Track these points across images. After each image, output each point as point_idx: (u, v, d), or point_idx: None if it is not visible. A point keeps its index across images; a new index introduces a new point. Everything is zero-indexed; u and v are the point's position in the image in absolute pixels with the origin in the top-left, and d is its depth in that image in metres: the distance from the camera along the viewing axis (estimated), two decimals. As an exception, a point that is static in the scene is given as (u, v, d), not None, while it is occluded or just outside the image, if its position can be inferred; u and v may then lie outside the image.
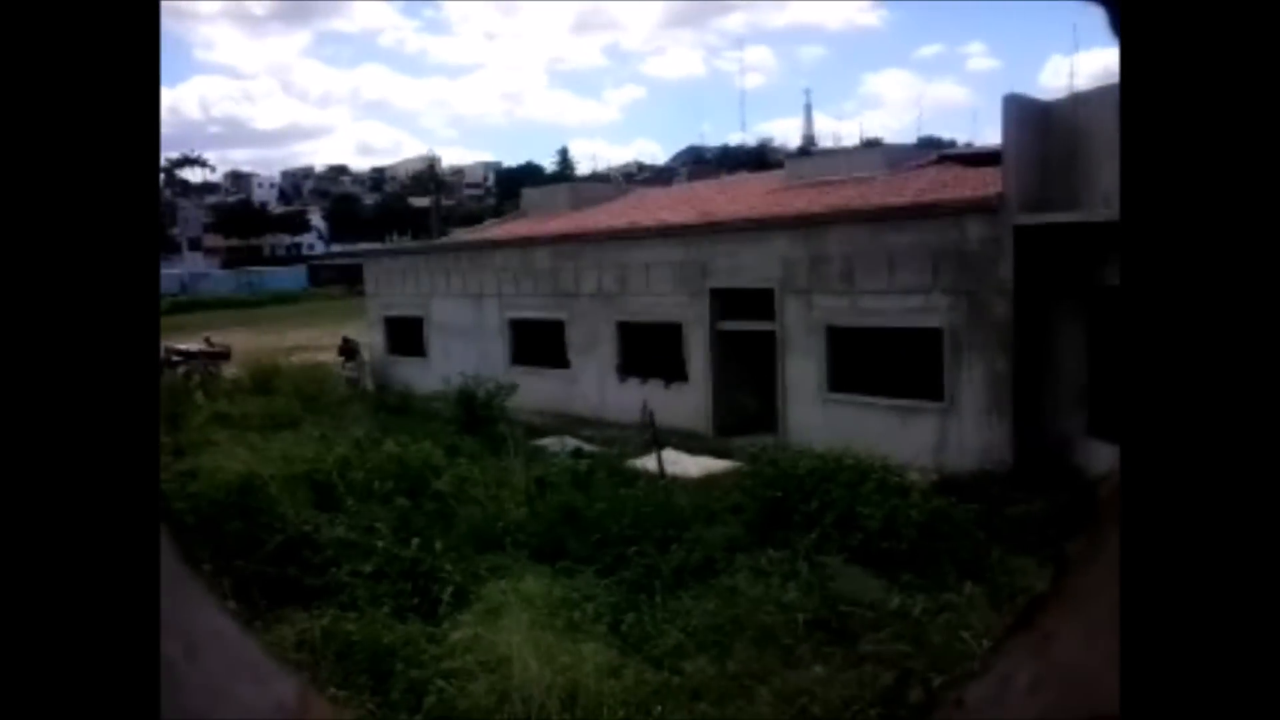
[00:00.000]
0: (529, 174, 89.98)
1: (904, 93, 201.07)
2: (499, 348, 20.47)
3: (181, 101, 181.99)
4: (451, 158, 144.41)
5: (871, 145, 42.86)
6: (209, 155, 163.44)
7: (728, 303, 16.15)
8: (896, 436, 12.85)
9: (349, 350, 23.38)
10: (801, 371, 14.95)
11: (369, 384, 22.07)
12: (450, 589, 7.95)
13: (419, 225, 72.21)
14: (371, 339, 24.60)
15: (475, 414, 15.12)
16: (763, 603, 7.15)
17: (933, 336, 13.19)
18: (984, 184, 13.68)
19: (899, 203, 14.61)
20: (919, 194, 15.06)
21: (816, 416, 14.43)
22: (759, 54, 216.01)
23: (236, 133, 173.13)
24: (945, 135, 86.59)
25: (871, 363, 13.98)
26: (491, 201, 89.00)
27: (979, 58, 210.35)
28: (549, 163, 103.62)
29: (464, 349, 20.67)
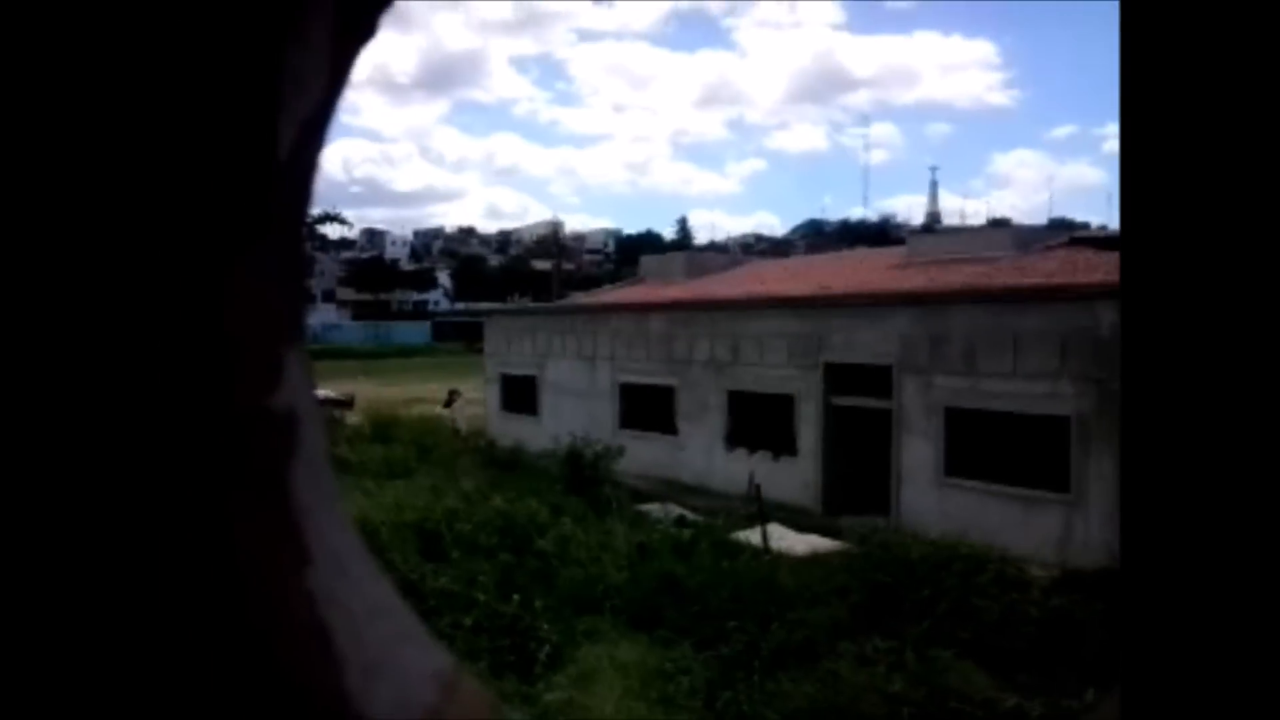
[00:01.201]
0: (648, 242, 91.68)
1: (1034, 173, 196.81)
2: (609, 410, 20.64)
3: (326, 162, 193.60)
4: (575, 224, 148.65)
5: (999, 224, 41.84)
6: (348, 213, 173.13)
7: (842, 378, 15.87)
8: (1017, 527, 12.24)
9: (450, 400, 26.15)
10: (917, 453, 14.48)
11: (463, 427, 23.07)
12: (547, 649, 7.94)
13: (540, 287, 74.26)
14: (487, 395, 25.22)
15: (582, 474, 15.22)
16: (866, 692, 6.84)
17: (1059, 424, 12.60)
18: (1116, 268, 13.13)
19: (1026, 284, 14.17)
20: (1048, 276, 14.58)
21: (931, 500, 13.90)
22: (884, 130, 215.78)
23: (375, 193, 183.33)
24: (1077, 218, 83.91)
25: (992, 448, 13.43)
26: (610, 267, 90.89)
27: (1115, 139, 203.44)
28: (669, 231, 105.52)
29: (574, 409, 20.93)
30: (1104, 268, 13.95)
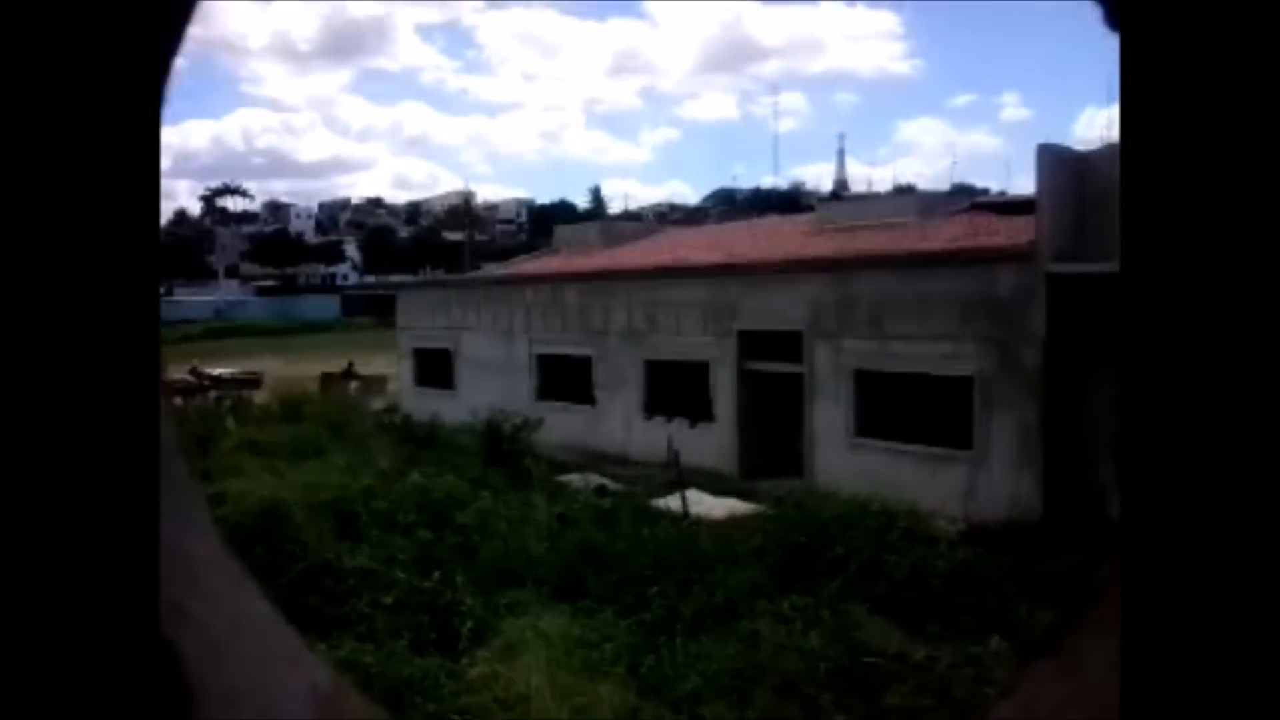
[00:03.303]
0: (562, 211, 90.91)
1: (937, 141, 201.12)
2: (526, 383, 20.54)
3: (225, 133, 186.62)
4: (486, 194, 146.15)
5: (904, 191, 42.87)
6: (250, 186, 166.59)
7: (756, 344, 16.12)
8: (924, 484, 12.69)
9: (351, 375, 27.17)
10: (828, 415, 14.85)
11: (370, 405, 22.83)
12: (470, 624, 7.92)
13: (452, 259, 72.98)
14: (401, 370, 24.79)
15: (500, 448, 15.14)
16: (785, 650, 7.04)
17: (963, 384, 13.07)
18: (1017, 233, 13.63)
19: (931, 249, 14.58)
20: (951, 241, 15.02)
21: (843, 461, 14.30)
22: (793, 100, 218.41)
23: (278, 164, 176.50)
24: (978, 183, 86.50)
25: (900, 409, 13.86)
26: (524, 238, 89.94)
27: (1013, 108, 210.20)
28: (582, 201, 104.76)
29: (492, 383, 20.76)
30: (1004, 232, 14.45)
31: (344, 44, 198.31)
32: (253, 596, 0.65)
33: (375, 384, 26.65)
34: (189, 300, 73.19)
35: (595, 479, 14.31)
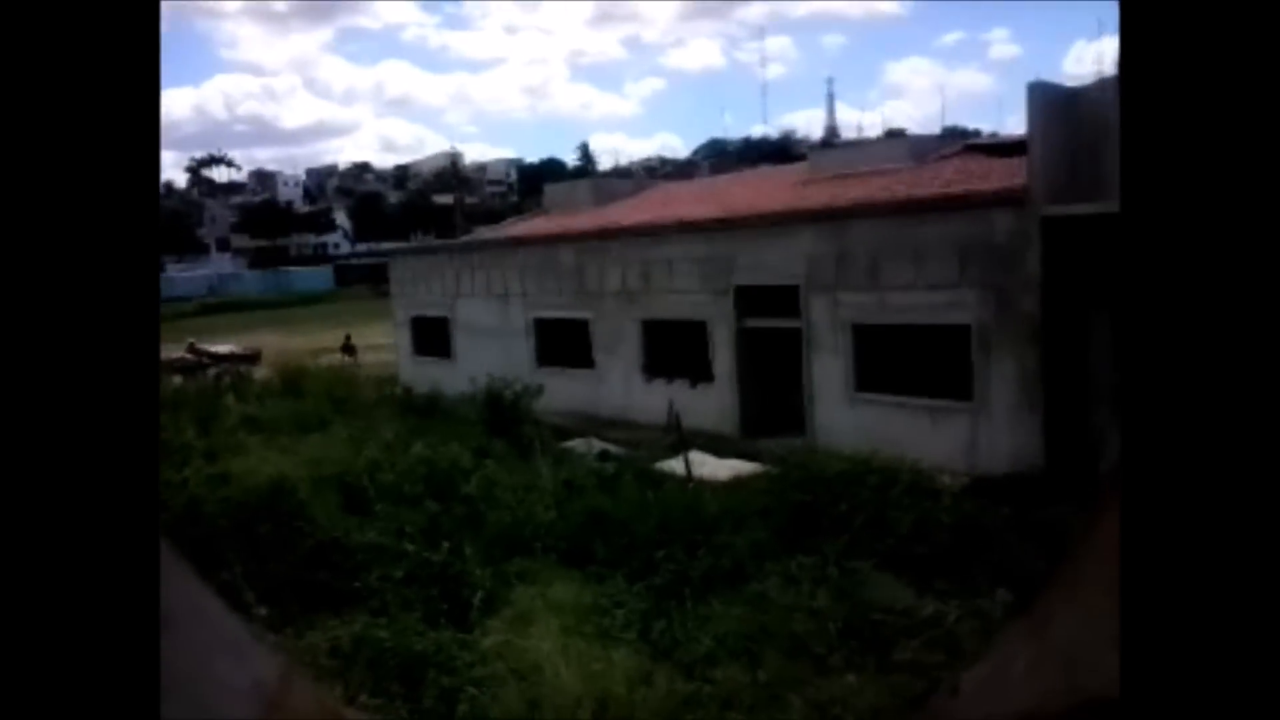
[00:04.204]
0: (551, 169, 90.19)
1: (927, 82, 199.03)
2: (524, 348, 20.51)
3: (206, 100, 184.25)
4: (474, 154, 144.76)
5: (895, 136, 42.47)
6: (235, 154, 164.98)
7: (752, 300, 16.07)
8: (926, 437, 12.73)
9: (347, 345, 28.05)
10: (828, 371, 14.85)
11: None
12: (481, 594, 7.99)
13: (443, 223, 72.52)
14: (398, 340, 24.74)
15: (502, 416, 15.16)
16: (793, 610, 7.12)
17: (961, 333, 13.04)
18: (1010, 174, 13.50)
19: (925, 195, 14.44)
20: (945, 186, 14.89)
21: (844, 417, 14.33)
22: (780, 44, 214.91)
23: (262, 131, 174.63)
24: (970, 125, 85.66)
25: (900, 361, 13.85)
26: (514, 198, 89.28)
27: (1001, 45, 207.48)
28: (571, 158, 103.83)
29: (489, 349, 20.74)
30: (997, 174, 14.32)
31: (321, 3, 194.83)
32: (190, 585, 0.62)
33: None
34: (182, 276, 72.82)
35: (598, 444, 14.36)
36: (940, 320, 13.29)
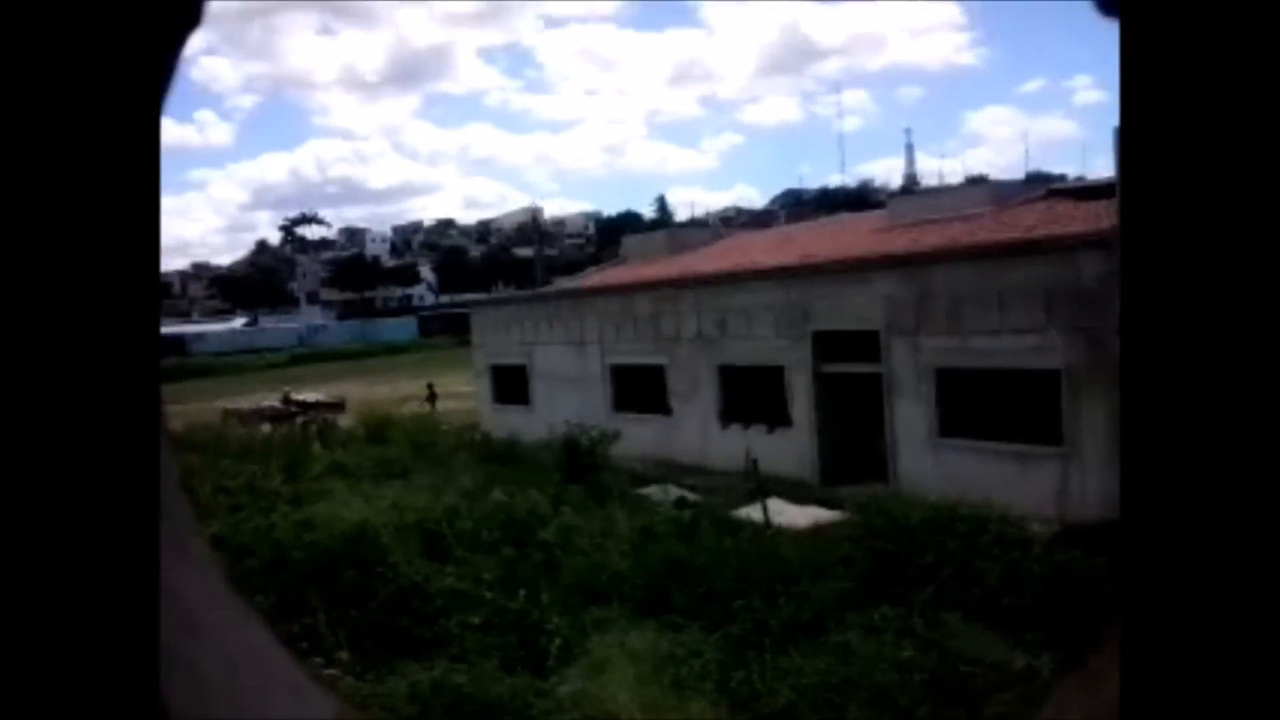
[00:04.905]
0: (628, 222, 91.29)
1: (1008, 130, 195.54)
2: (601, 394, 20.62)
3: (301, 164, 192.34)
4: (553, 209, 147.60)
5: (977, 182, 41.84)
6: (326, 213, 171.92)
7: (831, 345, 15.88)
8: (1014, 484, 12.29)
9: (431, 395, 28.34)
10: (910, 416, 14.52)
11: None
12: (557, 642, 7.95)
13: (523, 275, 73.96)
14: (478, 388, 25.15)
15: (579, 462, 15.21)
16: (877, 661, 6.88)
17: (1050, 378, 12.64)
18: (1096, 218, 13.15)
19: (1008, 239, 14.16)
20: (1028, 229, 14.58)
21: (928, 463, 13.96)
22: (856, 97, 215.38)
23: (352, 192, 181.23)
24: (1054, 169, 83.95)
25: (984, 406, 13.47)
26: (592, 250, 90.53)
27: (1085, 90, 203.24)
28: (648, 210, 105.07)
29: (567, 396, 20.91)
30: (1083, 218, 13.96)
31: (409, 71, 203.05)
32: (253, 630, 0.63)
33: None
34: (274, 328, 75.69)
35: (674, 490, 14.27)
36: (1027, 364, 12.91)
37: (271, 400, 27.89)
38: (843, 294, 15.64)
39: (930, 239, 16.12)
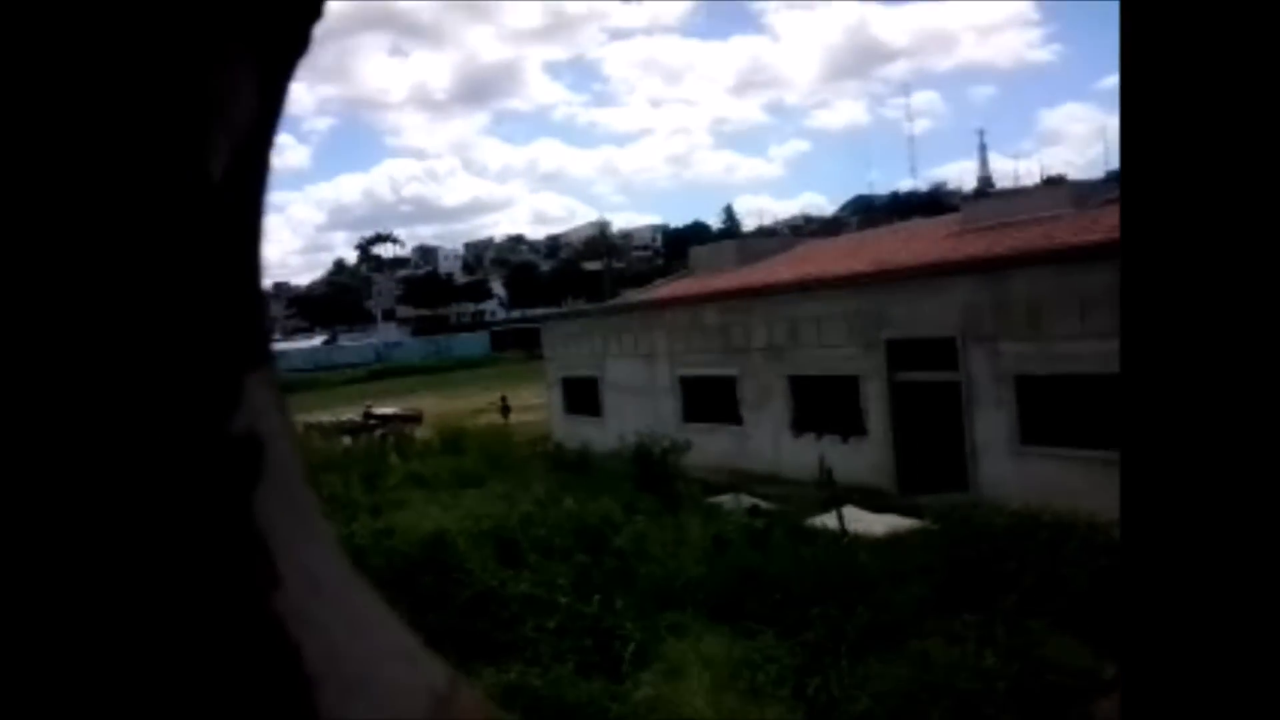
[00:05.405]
0: (696, 233, 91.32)
1: (1085, 127, 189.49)
2: (671, 405, 20.64)
3: (375, 185, 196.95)
4: (621, 222, 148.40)
5: (1054, 182, 40.73)
6: (399, 232, 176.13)
7: (905, 353, 15.62)
8: (1099, 491, 11.85)
9: (504, 406, 29.29)
10: (990, 423, 14.18)
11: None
12: (632, 647, 7.96)
13: (592, 288, 74.55)
14: (550, 400, 25.42)
15: (651, 471, 15.22)
16: (959, 669, 6.71)
17: (1136, 382, 12.21)
18: (1186, 216, 12.69)
19: (1089, 241, 13.75)
20: (1110, 231, 14.12)
21: (1009, 471, 13.60)
22: (926, 99, 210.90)
23: (424, 210, 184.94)
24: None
25: (1067, 412, 13.08)
26: (660, 262, 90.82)
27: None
28: (715, 221, 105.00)
29: (637, 407, 20.97)
30: (1170, 217, 13.49)
31: (477, 89, 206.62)
32: (372, 602, 0.67)
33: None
34: (352, 345, 77.71)
35: (747, 499, 14.17)
36: (1110, 369, 12.47)
37: (351, 414, 28.62)
38: (917, 301, 15.38)
39: (1008, 242, 15.76)
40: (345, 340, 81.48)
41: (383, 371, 61.20)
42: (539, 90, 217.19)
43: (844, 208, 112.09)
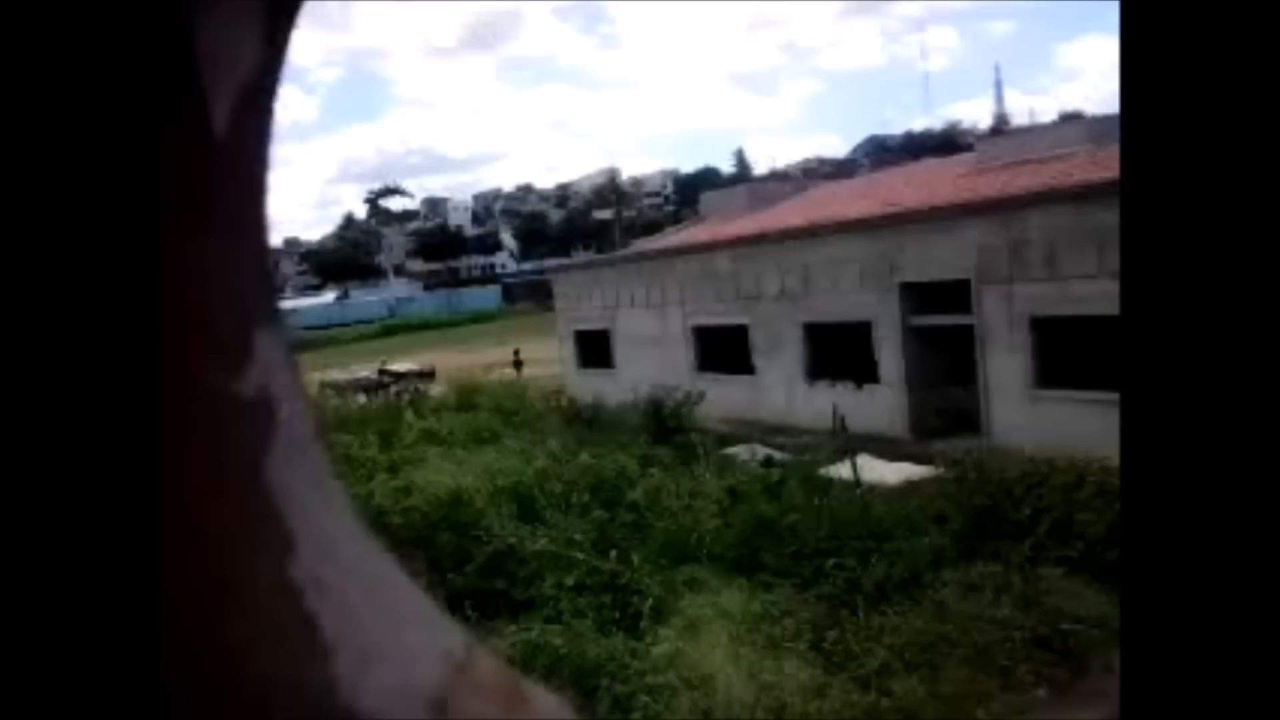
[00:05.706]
0: (707, 178, 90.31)
1: (1103, 61, 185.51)
2: (684, 355, 20.60)
3: (383, 136, 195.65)
4: (632, 168, 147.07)
5: (1071, 119, 39.92)
6: (408, 184, 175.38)
7: (920, 297, 15.48)
8: (1115, 435, 11.83)
9: (518, 363, 29.04)
10: (1005, 367, 14.08)
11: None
12: (650, 602, 8.04)
13: (603, 238, 74.18)
14: (563, 353, 25.41)
15: (664, 424, 15.27)
16: (975, 619, 6.75)
17: (1153, 323, 12.06)
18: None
19: (1107, 178, 13.48)
20: (1129, 168, 13.86)
21: (1024, 416, 13.54)
22: (942, 35, 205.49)
23: (432, 161, 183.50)
24: (1155, 98, 79.30)
25: (1083, 355, 12.94)
26: (671, 209, 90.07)
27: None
28: (726, 166, 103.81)
29: (650, 358, 20.94)
30: (1190, 152, 13.20)
31: (484, 36, 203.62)
32: (388, 568, 0.68)
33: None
34: (363, 300, 77.85)
35: (761, 450, 14.19)
36: (1129, 309, 12.34)
37: (366, 371, 28.76)
38: (931, 243, 15.19)
39: (1022, 181, 15.48)
40: (357, 296, 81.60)
41: (395, 327, 61.36)
42: (546, 35, 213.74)
43: (857, 149, 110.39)
